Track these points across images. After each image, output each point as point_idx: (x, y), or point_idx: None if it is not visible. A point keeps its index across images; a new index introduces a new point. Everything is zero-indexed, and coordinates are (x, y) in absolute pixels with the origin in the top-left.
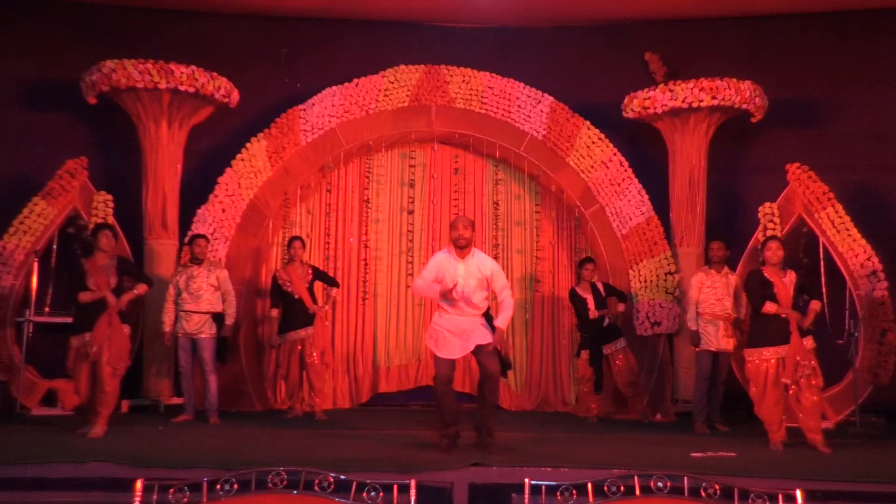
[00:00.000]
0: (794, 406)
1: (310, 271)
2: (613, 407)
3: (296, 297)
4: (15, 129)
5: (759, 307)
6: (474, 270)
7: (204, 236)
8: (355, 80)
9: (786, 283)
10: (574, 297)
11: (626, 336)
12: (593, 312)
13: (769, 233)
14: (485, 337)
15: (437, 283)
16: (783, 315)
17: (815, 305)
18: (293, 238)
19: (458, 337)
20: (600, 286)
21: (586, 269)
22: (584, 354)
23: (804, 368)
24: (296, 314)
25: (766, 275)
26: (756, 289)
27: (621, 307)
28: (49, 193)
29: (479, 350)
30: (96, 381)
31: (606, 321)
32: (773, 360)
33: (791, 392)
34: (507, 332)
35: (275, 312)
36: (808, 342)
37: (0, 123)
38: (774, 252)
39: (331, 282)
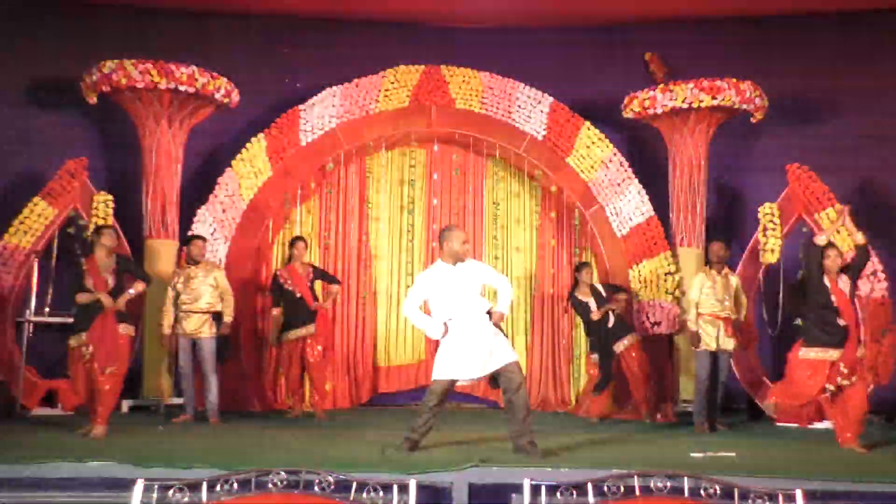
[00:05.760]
0: (837, 407)
1: (311, 270)
2: (613, 407)
3: (297, 295)
4: (15, 129)
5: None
6: (471, 275)
7: (201, 237)
8: (355, 80)
9: (842, 288)
10: (575, 302)
11: (636, 335)
12: (596, 313)
13: (769, 233)
14: (506, 355)
15: (426, 304)
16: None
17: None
18: (296, 238)
19: (471, 353)
20: (600, 287)
21: (584, 272)
22: (592, 358)
23: (846, 376)
24: (297, 313)
25: (826, 281)
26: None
27: (622, 296)
28: (49, 193)
29: (500, 371)
30: (93, 382)
31: (612, 320)
32: (820, 360)
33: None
34: (507, 330)
35: (276, 311)
36: (859, 350)
37: (0, 123)
38: (833, 261)
39: (331, 280)
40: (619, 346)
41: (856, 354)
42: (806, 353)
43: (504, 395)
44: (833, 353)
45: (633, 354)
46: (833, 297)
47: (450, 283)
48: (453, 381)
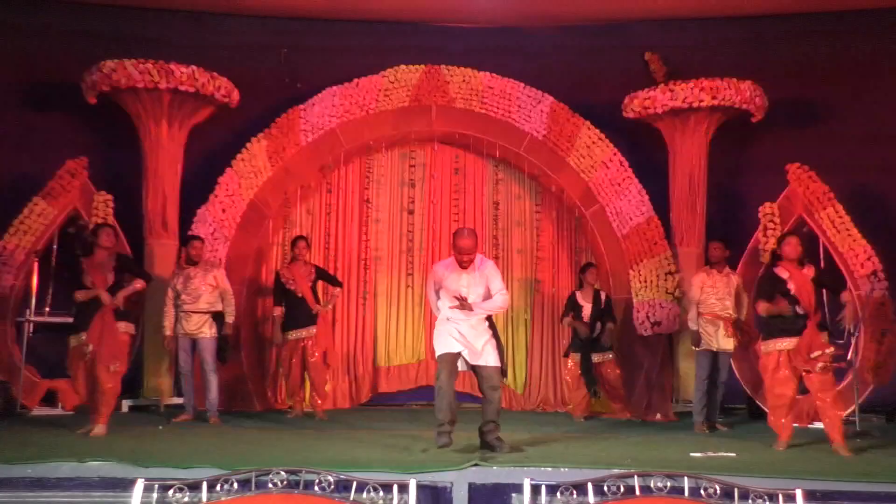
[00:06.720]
0: (818, 408)
1: (313, 271)
2: (601, 406)
3: (299, 295)
4: (15, 129)
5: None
6: (478, 278)
7: (199, 237)
8: (355, 80)
9: (805, 273)
10: (572, 304)
11: (614, 352)
12: (583, 330)
13: (769, 233)
14: (492, 358)
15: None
16: (797, 311)
17: (846, 297)
18: (298, 237)
19: (466, 340)
20: (602, 296)
21: (589, 273)
22: (574, 358)
23: (822, 358)
24: (299, 313)
25: (777, 272)
26: (766, 288)
27: (610, 325)
28: (49, 193)
29: (482, 370)
30: (94, 381)
31: (598, 329)
32: (783, 351)
33: (808, 378)
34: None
35: (278, 311)
36: (824, 336)
37: (0, 123)
38: (794, 247)
39: (333, 282)
40: (597, 358)
41: (816, 339)
42: (766, 348)
43: (481, 387)
44: (790, 342)
45: (608, 370)
46: (790, 286)
47: (456, 281)
48: (457, 355)
